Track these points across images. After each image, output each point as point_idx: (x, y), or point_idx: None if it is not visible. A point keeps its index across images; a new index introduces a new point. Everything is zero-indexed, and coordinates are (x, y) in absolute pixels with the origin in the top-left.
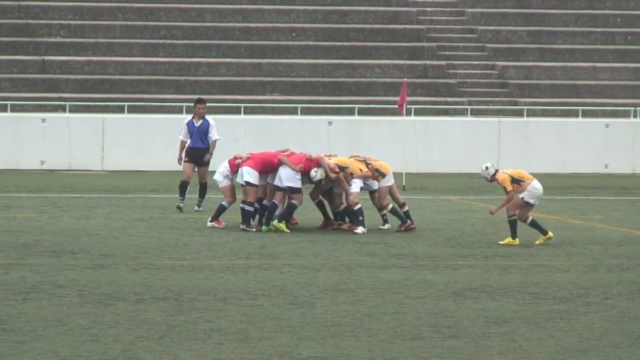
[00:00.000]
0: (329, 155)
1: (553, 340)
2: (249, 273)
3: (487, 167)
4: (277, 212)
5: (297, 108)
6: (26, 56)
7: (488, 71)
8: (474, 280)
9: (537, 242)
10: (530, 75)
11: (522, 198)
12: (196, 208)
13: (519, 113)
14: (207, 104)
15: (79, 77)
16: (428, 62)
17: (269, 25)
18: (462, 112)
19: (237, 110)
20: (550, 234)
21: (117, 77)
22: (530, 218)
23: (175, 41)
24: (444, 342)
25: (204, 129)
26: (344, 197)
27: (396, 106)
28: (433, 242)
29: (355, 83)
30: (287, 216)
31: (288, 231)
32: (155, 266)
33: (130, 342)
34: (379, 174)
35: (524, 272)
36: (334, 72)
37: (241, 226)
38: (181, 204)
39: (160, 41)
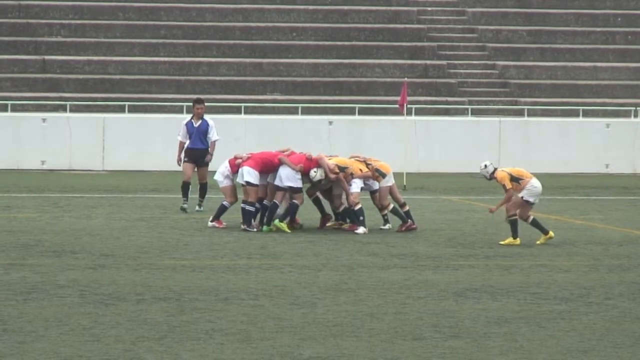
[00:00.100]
0: (330, 156)
1: (554, 340)
2: (250, 273)
3: (486, 165)
4: (278, 212)
5: (297, 108)
6: (27, 56)
7: (489, 71)
8: (475, 280)
9: (538, 242)
10: (530, 75)
11: (522, 197)
12: (197, 208)
13: (519, 113)
14: (208, 104)
15: (80, 76)
16: (429, 61)
17: (270, 24)
18: (463, 112)
19: (237, 110)
20: (551, 233)
21: (117, 76)
22: (532, 217)
23: (175, 41)
24: (446, 342)
25: (203, 130)
26: (344, 197)
27: (397, 106)
28: (434, 242)
29: (355, 83)
30: (288, 216)
31: (289, 231)
32: (156, 266)
33: (131, 342)
34: (379, 174)
35: (525, 272)
36: (334, 71)
37: (242, 226)
38: (185, 205)
39: (161, 41)
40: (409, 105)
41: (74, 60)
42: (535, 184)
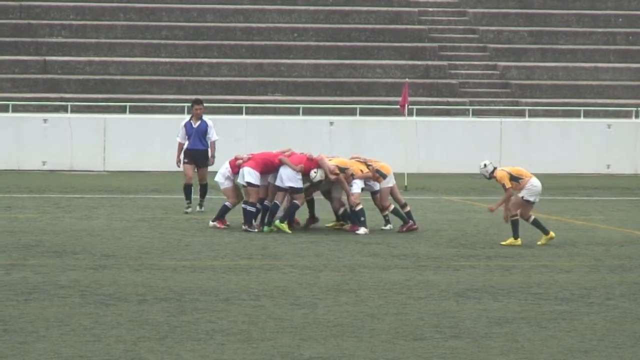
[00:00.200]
0: (330, 157)
1: (555, 340)
2: (251, 273)
3: (485, 165)
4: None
5: (298, 108)
6: (28, 56)
7: (490, 71)
8: (476, 280)
9: (539, 243)
10: (531, 76)
11: (522, 197)
12: (198, 208)
13: (520, 113)
14: (209, 105)
15: (81, 77)
16: (430, 62)
17: (271, 25)
18: (464, 113)
19: (238, 111)
20: (552, 233)
21: (118, 77)
22: (533, 217)
23: (176, 41)
24: (446, 342)
25: (203, 130)
26: (344, 198)
27: (398, 106)
28: (435, 242)
29: (357, 83)
30: (289, 216)
31: (290, 232)
32: (157, 267)
33: (132, 343)
34: (379, 175)
35: (526, 273)
36: (335, 72)
37: (243, 227)
38: (189, 210)
39: (162, 41)
40: (410, 106)
41: (74, 61)
42: (534, 183)
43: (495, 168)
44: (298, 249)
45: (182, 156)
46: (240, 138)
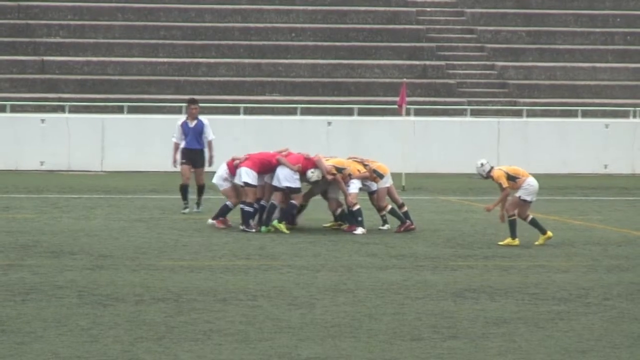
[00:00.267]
0: (328, 157)
1: (552, 340)
2: (249, 274)
3: (482, 164)
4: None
5: (296, 108)
6: (25, 56)
7: (487, 71)
8: (474, 280)
9: (536, 243)
10: (529, 76)
11: (519, 196)
12: (195, 209)
13: (518, 113)
14: (207, 105)
15: (79, 77)
16: (427, 62)
17: (269, 25)
18: (462, 113)
19: (236, 111)
20: (550, 233)
21: (116, 77)
22: (531, 216)
23: (174, 41)
24: (444, 342)
25: (199, 130)
26: (341, 199)
27: (396, 106)
28: (433, 242)
29: (354, 83)
30: (286, 216)
31: (287, 232)
32: (154, 267)
33: (129, 343)
34: (377, 175)
35: (524, 273)
36: (333, 72)
37: (241, 227)
38: (186, 211)
39: (160, 41)
40: (407, 106)
41: (72, 61)
42: (531, 182)
43: (492, 167)
44: (296, 249)
45: (178, 156)
46: (238, 138)
